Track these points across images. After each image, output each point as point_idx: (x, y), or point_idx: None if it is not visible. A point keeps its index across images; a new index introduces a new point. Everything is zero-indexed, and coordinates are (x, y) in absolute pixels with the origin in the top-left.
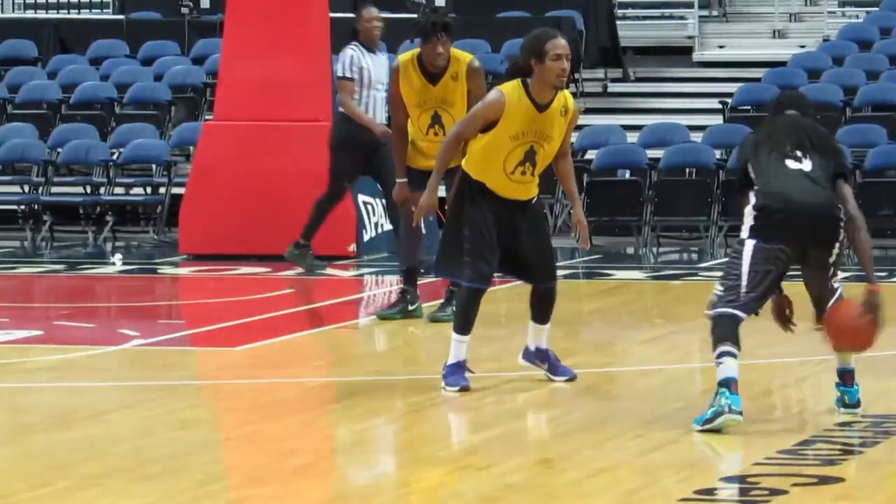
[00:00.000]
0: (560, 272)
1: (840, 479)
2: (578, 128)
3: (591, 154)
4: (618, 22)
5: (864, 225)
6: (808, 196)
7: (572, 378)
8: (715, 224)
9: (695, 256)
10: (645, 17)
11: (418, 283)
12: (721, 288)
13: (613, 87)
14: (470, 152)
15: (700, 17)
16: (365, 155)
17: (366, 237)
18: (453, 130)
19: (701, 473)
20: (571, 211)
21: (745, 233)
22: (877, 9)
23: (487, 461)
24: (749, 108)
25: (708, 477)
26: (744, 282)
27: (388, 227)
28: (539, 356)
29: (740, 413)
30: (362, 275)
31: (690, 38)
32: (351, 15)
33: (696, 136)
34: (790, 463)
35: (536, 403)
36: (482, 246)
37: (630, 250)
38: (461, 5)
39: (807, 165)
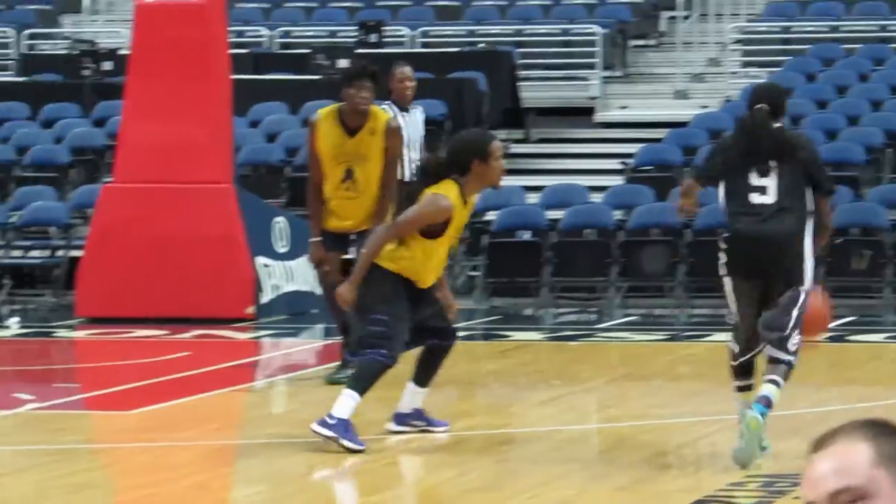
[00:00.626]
0: (458, 333)
1: None
2: None
3: (491, 215)
4: (520, 83)
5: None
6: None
7: (447, 429)
8: (614, 285)
9: (593, 317)
10: (547, 79)
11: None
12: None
13: (515, 149)
14: (401, 251)
15: (602, 77)
16: None
17: (264, 299)
18: (391, 229)
19: None
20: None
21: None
22: (780, 69)
23: None
24: (651, 168)
25: None
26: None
27: (287, 288)
28: (415, 416)
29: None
30: (260, 337)
31: (593, 98)
32: (254, 76)
33: (597, 197)
34: None
35: (432, 464)
36: (401, 326)
37: (529, 311)
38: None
39: (766, 182)
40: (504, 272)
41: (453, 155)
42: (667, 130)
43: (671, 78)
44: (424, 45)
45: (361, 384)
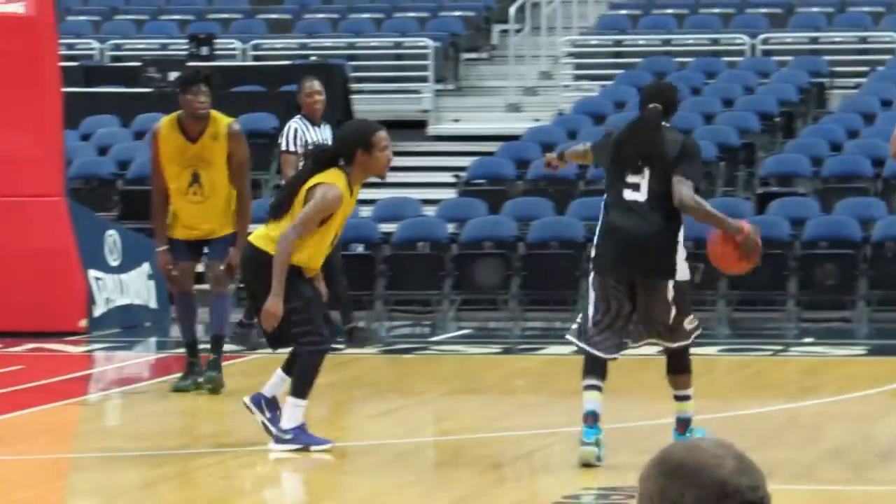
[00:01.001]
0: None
1: None
2: None
3: None
4: (352, 96)
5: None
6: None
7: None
8: (447, 298)
9: (427, 330)
10: (380, 91)
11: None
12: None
13: None
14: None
15: (435, 90)
16: None
17: (96, 312)
18: (292, 234)
19: None
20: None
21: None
22: (611, 83)
23: None
24: (483, 181)
25: None
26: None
27: (119, 302)
28: (270, 405)
29: (593, 444)
30: (93, 350)
31: (425, 111)
32: (85, 90)
33: (430, 210)
34: None
35: (267, 478)
36: (317, 308)
37: (362, 324)
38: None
39: (639, 180)
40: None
41: (339, 144)
42: (499, 144)
43: (503, 91)
44: (256, 58)
45: (303, 387)
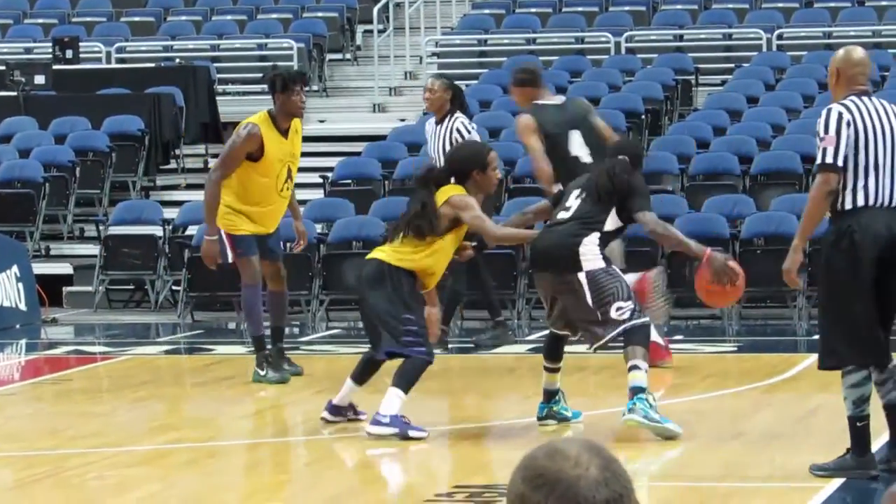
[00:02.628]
0: (162, 347)
1: None
2: (178, 203)
3: (192, 230)
4: (218, 97)
5: (662, 230)
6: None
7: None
8: (316, 298)
9: (296, 330)
10: (245, 93)
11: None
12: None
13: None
14: (421, 251)
15: None
16: None
17: None
18: (493, 231)
19: None
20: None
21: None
22: (475, 82)
23: None
24: (350, 182)
25: None
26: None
27: (8, 302)
28: (346, 409)
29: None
30: None
31: None
32: None
33: None
34: None
35: (138, 478)
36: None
37: (231, 325)
38: (60, 83)
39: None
40: (206, 286)
41: (454, 164)
42: (365, 144)
43: (368, 92)
44: (120, 60)
45: (408, 385)
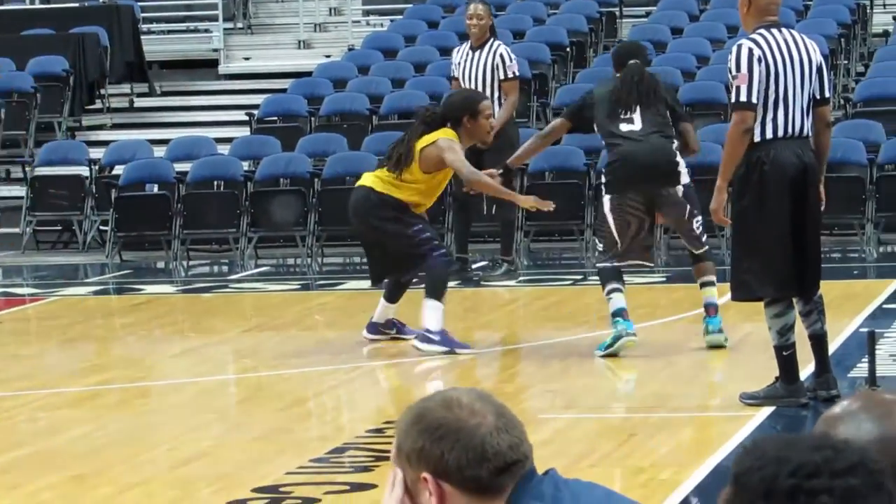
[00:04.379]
0: (90, 288)
1: (373, 486)
2: (105, 143)
3: (118, 169)
4: (143, 37)
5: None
6: (639, 150)
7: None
8: (245, 235)
9: (225, 269)
10: (170, 32)
11: None
12: (601, 246)
13: (140, 102)
14: (410, 185)
15: (225, 29)
16: None
17: None
18: (470, 176)
19: (234, 484)
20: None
21: (603, 189)
22: (401, 17)
23: (18, 480)
24: (276, 118)
25: (241, 487)
26: (616, 235)
27: None
28: (387, 326)
29: (635, 335)
30: None
31: (216, 50)
32: None
33: (224, 149)
34: (323, 471)
35: (70, 419)
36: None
37: (160, 264)
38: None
39: (637, 125)
40: (133, 226)
41: (447, 109)
42: (290, 80)
43: (293, 28)
44: (44, 1)
45: (441, 291)
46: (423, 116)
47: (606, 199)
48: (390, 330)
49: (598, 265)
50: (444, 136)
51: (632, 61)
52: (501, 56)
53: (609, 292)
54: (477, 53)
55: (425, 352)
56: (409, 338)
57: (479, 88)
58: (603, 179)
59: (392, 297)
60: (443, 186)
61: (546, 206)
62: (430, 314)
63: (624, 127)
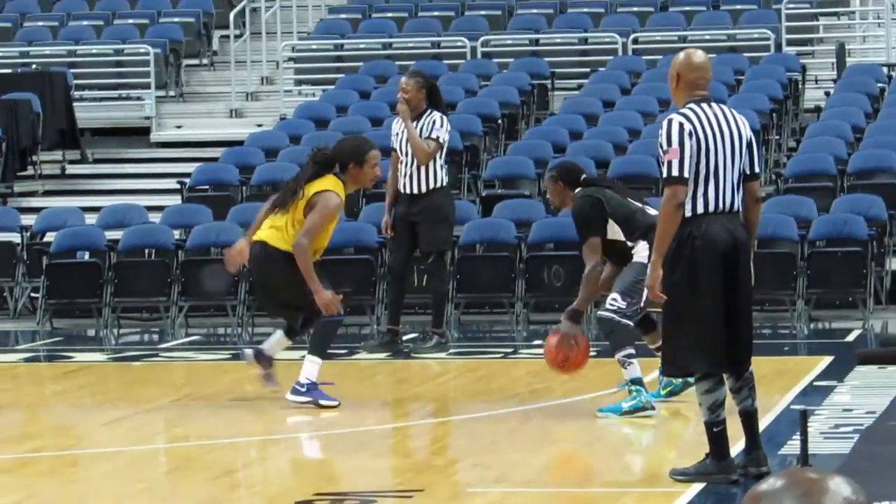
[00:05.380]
0: (21, 355)
1: None
2: (36, 210)
3: (50, 236)
4: (75, 103)
5: None
6: None
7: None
8: (175, 304)
9: (156, 337)
10: (102, 99)
11: None
12: (623, 302)
13: (72, 169)
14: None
15: (157, 97)
16: None
17: None
18: (304, 241)
19: None
20: None
21: (646, 259)
22: (332, 87)
23: None
24: (207, 187)
25: None
26: (643, 298)
27: None
28: (270, 362)
29: (654, 408)
30: None
31: (148, 118)
32: None
33: (155, 217)
34: None
35: None
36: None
37: (91, 332)
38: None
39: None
40: (65, 293)
41: (336, 153)
42: (223, 149)
43: (225, 97)
44: None
45: (323, 349)
46: (313, 157)
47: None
48: (267, 367)
49: (614, 318)
50: (326, 189)
51: (583, 176)
52: (434, 122)
53: (628, 356)
54: (413, 124)
55: (295, 402)
56: (271, 388)
57: (410, 158)
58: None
59: (290, 334)
60: (328, 236)
61: (332, 312)
62: (308, 367)
63: (651, 210)
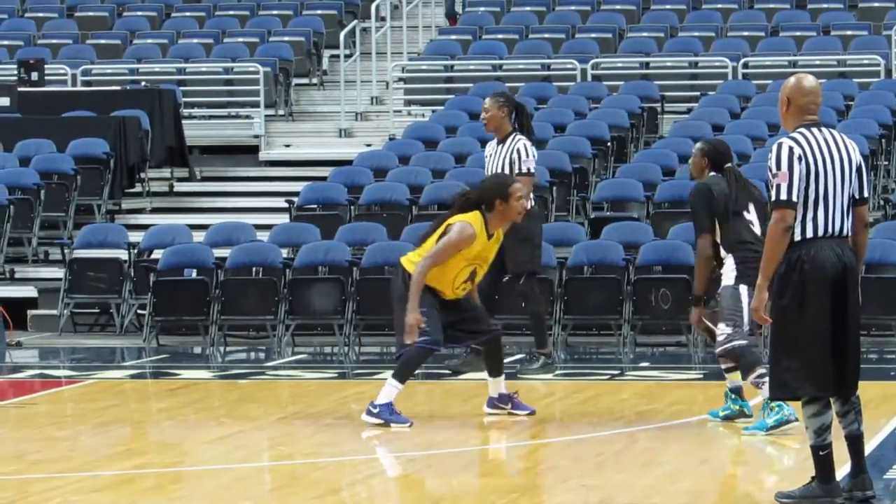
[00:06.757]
0: (127, 372)
1: None
2: (144, 227)
3: (157, 253)
4: (184, 121)
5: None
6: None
7: (532, 413)
8: (282, 322)
9: (262, 355)
10: (211, 117)
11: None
12: (729, 329)
13: (180, 187)
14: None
15: (266, 116)
16: None
17: None
18: (427, 262)
19: None
20: None
21: (733, 280)
22: (442, 108)
23: None
24: (315, 206)
25: None
26: (745, 320)
27: None
28: (501, 400)
29: (797, 419)
30: None
31: (257, 137)
32: None
33: (263, 235)
34: None
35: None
36: (434, 320)
37: (197, 349)
38: (26, 105)
39: (753, 217)
40: (171, 311)
41: (481, 193)
42: (331, 169)
43: (335, 116)
44: (85, 83)
45: (404, 373)
46: (458, 202)
47: (744, 289)
48: (505, 405)
49: (734, 346)
50: (461, 221)
51: (728, 164)
52: (518, 151)
53: (759, 377)
54: (500, 147)
55: (368, 423)
56: (522, 414)
57: None
58: (736, 272)
59: (491, 371)
60: (455, 274)
61: (411, 339)
62: (385, 390)
63: (756, 229)
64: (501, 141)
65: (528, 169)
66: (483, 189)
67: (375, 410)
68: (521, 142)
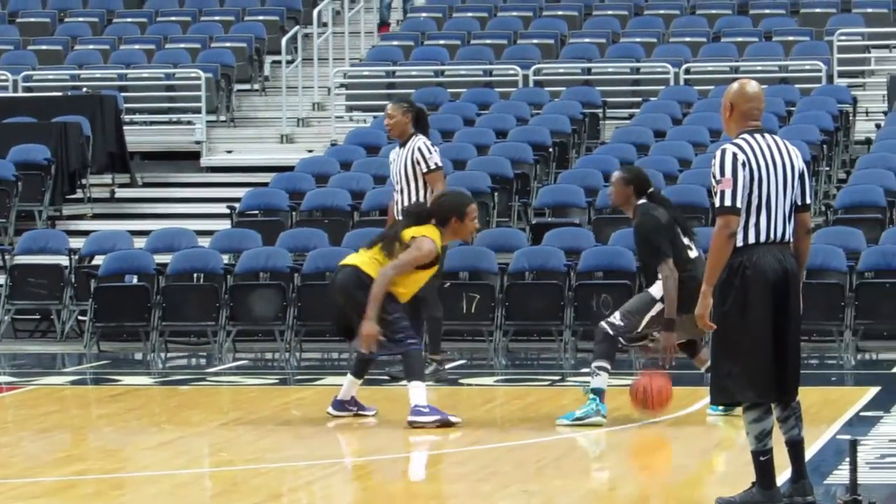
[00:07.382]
0: (68, 378)
1: None
2: (85, 233)
3: (98, 259)
4: (125, 127)
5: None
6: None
7: (376, 413)
8: (223, 328)
9: (203, 361)
10: (152, 123)
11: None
12: (622, 323)
13: (121, 193)
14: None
15: (207, 122)
16: None
17: None
18: (391, 272)
19: None
20: None
21: (658, 296)
22: (383, 114)
23: None
24: (257, 212)
25: None
26: (639, 326)
27: None
28: (351, 403)
29: (605, 416)
30: None
31: (198, 143)
32: None
33: (204, 241)
34: None
35: None
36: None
37: (138, 356)
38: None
39: (686, 239)
40: (112, 317)
41: (437, 208)
42: (273, 174)
43: (276, 122)
44: (27, 89)
45: (420, 373)
46: (409, 210)
47: (658, 307)
48: (353, 408)
49: (612, 333)
50: (422, 235)
51: (650, 189)
52: (419, 150)
53: (599, 368)
54: (402, 150)
55: (420, 423)
56: (370, 414)
57: (405, 184)
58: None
59: (358, 373)
60: (420, 282)
61: (367, 349)
62: (416, 392)
63: (693, 253)
64: (403, 144)
65: (436, 164)
66: (440, 205)
67: (426, 410)
68: (419, 140)
